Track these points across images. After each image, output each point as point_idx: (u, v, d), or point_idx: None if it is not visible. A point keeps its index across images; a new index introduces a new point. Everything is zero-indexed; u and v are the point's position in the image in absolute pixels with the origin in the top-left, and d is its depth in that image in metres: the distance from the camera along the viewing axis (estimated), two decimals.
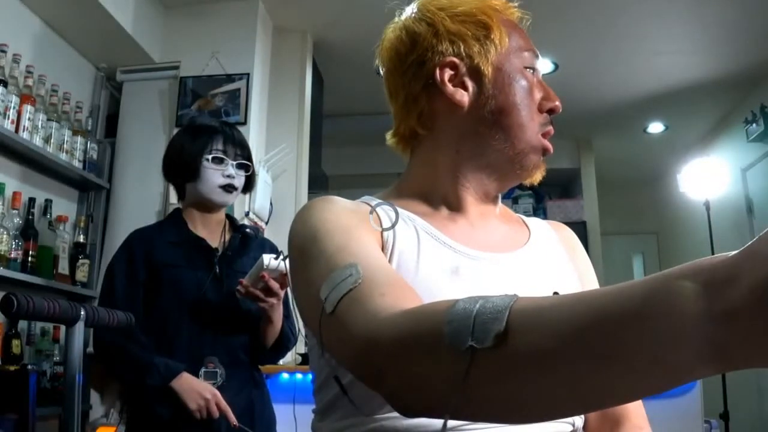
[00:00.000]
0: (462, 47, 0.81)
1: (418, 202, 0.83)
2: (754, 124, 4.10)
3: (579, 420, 0.79)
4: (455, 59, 0.81)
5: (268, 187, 3.09)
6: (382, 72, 0.88)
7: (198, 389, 1.56)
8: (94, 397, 2.70)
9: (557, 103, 0.84)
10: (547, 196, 5.40)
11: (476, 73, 0.81)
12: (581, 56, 3.83)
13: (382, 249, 0.74)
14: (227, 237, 1.80)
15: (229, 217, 1.87)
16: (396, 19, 0.87)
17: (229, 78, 3.02)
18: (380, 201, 0.81)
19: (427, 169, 0.85)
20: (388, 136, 0.88)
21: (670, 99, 4.35)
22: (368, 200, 0.83)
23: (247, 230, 1.83)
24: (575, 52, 3.77)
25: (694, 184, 4.20)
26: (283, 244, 1.90)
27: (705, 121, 4.87)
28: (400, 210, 0.79)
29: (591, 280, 0.91)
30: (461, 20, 0.81)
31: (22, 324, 2.43)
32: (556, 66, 3.91)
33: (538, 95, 0.83)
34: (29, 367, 1.93)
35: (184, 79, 3.04)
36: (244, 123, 2.94)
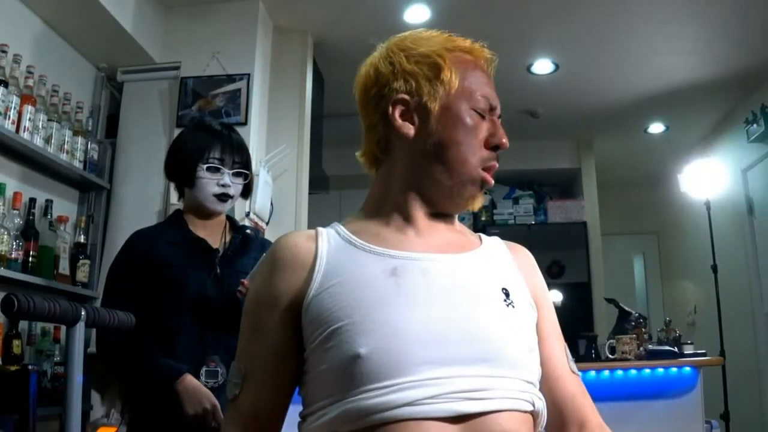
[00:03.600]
0: (414, 85, 0.91)
1: (373, 219, 0.94)
2: (754, 125, 4.10)
3: (539, 402, 0.84)
4: (406, 96, 0.91)
5: (269, 187, 3.09)
6: (356, 101, 0.99)
7: (200, 396, 1.56)
8: (95, 397, 2.70)
9: (504, 140, 0.92)
10: (547, 197, 5.40)
11: (423, 110, 0.91)
12: (581, 56, 3.83)
13: (312, 270, 0.85)
14: (228, 237, 1.80)
15: (230, 218, 1.87)
16: (372, 54, 0.97)
17: (230, 78, 3.02)
18: (335, 227, 0.93)
19: (382, 190, 0.96)
20: (358, 154, 1.00)
21: (671, 99, 4.35)
22: (322, 231, 0.92)
23: (248, 231, 1.83)
24: (575, 52, 3.77)
25: (694, 184, 4.19)
26: None
27: (705, 122, 4.87)
28: (343, 233, 0.91)
29: (545, 299, 0.98)
30: (416, 61, 0.92)
31: (23, 324, 2.43)
32: (556, 66, 3.91)
33: (484, 133, 0.92)
34: (30, 367, 1.93)
35: (185, 80, 3.04)
36: (245, 123, 2.94)
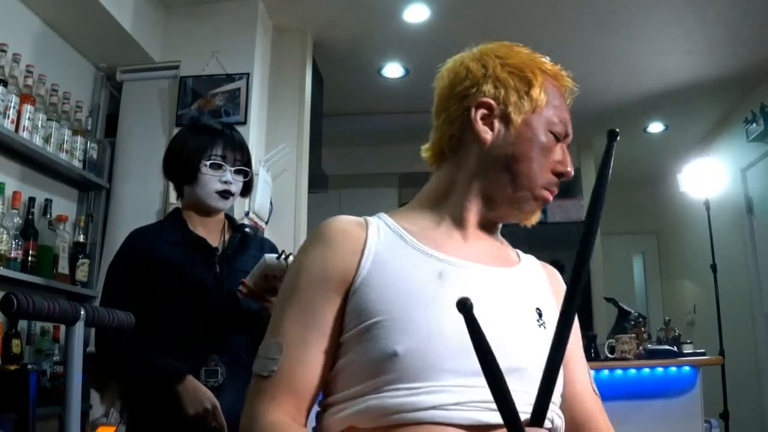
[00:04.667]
0: (502, 94, 0.92)
1: (426, 214, 0.95)
2: (753, 124, 4.10)
3: (558, 419, 0.86)
4: (492, 102, 0.92)
5: (268, 186, 3.09)
6: (435, 93, 1.00)
7: (200, 396, 1.55)
8: (94, 396, 2.70)
9: (569, 169, 0.94)
10: None
11: (506, 120, 0.92)
12: (581, 56, 3.82)
13: (361, 257, 0.85)
14: (227, 236, 1.80)
15: (228, 217, 1.87)
16: (463, 53, 0.99)
17: (229, 78, 3.02)
18: (382, 218, 0.94)
19: (443, 186, 0.96)
20: (424, 148, 1.00)
21: (670, 99, 4.35)
22: (371, 220, 0.92)
23: (247, 229, 1.83)
24: (575, 52, 3.77)
25: (694, 183, 4.20)
26: (282, 244, 1.91)
27: (705, 121, 4.87)
28: (393, 225, 0.91)
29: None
30: (509, 71, 0.93)
31: (22, 323, 2.42)
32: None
33: (555, 157, 0.94)
34: (29, 366, 1.94)
35: (184, 79, 3.04)
36: (244, 123, 2.94)
